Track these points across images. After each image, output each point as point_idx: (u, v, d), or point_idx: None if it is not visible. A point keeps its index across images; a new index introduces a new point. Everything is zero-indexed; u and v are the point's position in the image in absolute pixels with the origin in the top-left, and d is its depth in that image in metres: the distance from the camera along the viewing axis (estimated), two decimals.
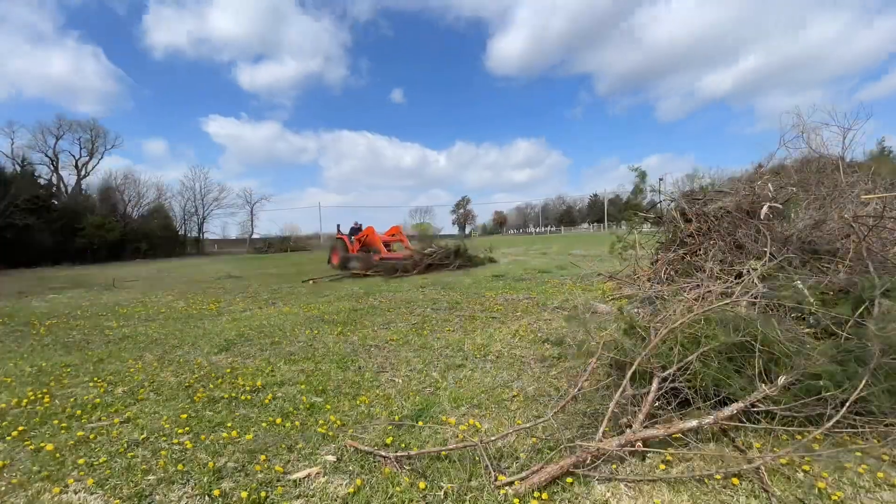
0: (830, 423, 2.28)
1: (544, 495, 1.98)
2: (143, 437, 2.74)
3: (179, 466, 2.34)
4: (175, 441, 2.66)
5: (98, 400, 3.40)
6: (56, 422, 3.01)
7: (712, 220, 4.86)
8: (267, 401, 3.27)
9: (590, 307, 5.88)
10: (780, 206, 4.37)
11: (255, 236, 54.57)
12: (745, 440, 2.42)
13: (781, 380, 2.44)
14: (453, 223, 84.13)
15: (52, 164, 38.31)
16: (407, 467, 2.26)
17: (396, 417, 2.93)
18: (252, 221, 56.26)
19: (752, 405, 2.45)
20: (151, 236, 35.19)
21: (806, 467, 2.13)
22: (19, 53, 77.75)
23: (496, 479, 2.08)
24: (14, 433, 2.82)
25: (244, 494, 2.06)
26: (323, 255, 22.06)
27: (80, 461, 2.43)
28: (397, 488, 2.08)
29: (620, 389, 2.63)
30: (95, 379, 3.93)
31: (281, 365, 4.23)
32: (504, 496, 1.99)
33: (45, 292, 11.25)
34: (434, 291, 8.83)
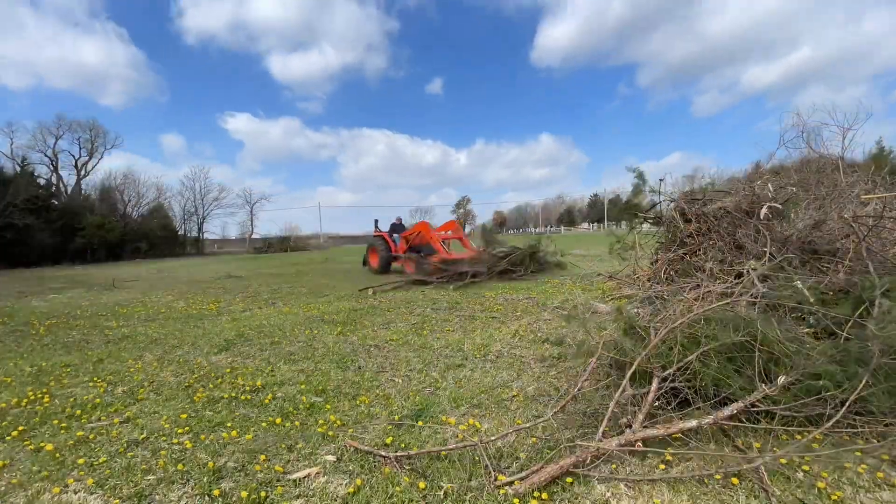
0: (830, 423, 2.28)
1: (544, 495, 1.98)
2: (142, 437, 2.74)
3: (179, 466, 2.34)
4: (175, 441, 2.66)
5: (98, 400, 3.40)
6: (56, 422, 3.00)
7: (712, 220, 4.87)
8: (267, 401, 3.27)
9: (590, 307, 5.88)
10: (780, 207, 4.37)
11: (254, 236, 54.64)
12: (745, 440, 2.42)
13: (781, 380, 2.44)
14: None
15: (52, 164, 38.30)
16: (407, 467, 2.26)
17: (396, 417, 2.93)
18: (252, 221, 56.34)
19: (752, 405, 2.45)
20: (151, 236, 35.18)
21: (806, 467, 2.13)
22: (41, 39, 76.04)
23: (496, 479, 2.08)
24: (14, 433, 2.82)
25: (244, 494, 2.06)
26: (323, 255, 21.98)
27: (80, 461, 2.43)
28: (397, 488, 2.08)
29: (620, 389, 2.63)
30: (95, 379, 3.93)
31: (281, 365, 4.23)
32: (504, 496, 1.99)
33: (45, 292, 11.25)
34: (434, 291, 8.83)
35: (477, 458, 2.27)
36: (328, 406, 3.16)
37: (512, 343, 4.74)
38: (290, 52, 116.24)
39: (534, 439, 2.53)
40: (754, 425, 2.42)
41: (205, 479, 2.21)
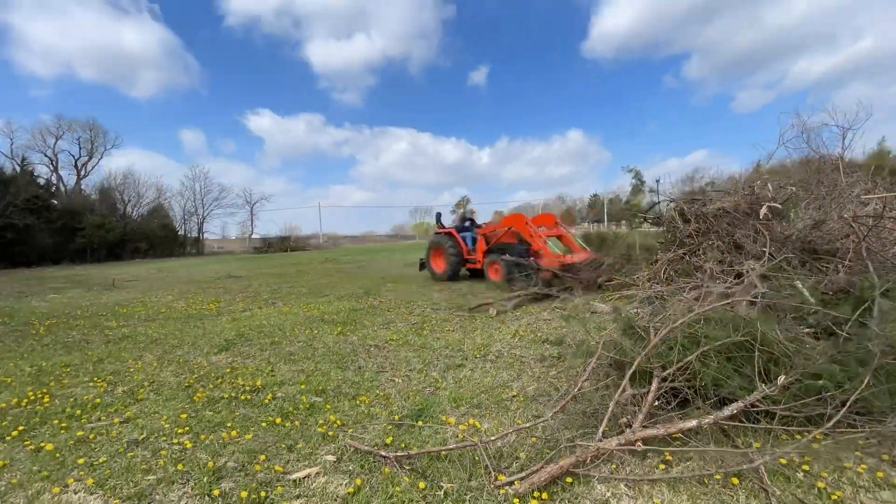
0: (830, 423, 2.28)
1: (544, 495, 1.98)
2: (142, 437, 2.74)
3: (179, 466, 2.34)
4: (175, 441, 2.66)
5: (98, 400, 3.40)
6: (56, 422, 3.00)
7: (711, 220, 4.86)
8: (267, 401, 3.27)
9: (590, 307, 5.88)
10: (780, 206, 4.36)
11: (254, 236, 54.62)
12: (745, 440, 2.42)
13: (781, 380, 2.44)
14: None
15: (52, 164, 38.33)
16: (407, 467, 2.26)
17: (396, 417, 2.93)
18: (252, 221, 56.33)
19: (752, 405, 2.45)
20: (151, 236, 35.17)
21: (806, 467, 2.13)
22: (76, 22, 72.69)
23: (496, 479, 2.09)
24: (14, 433, 2.82)
25: (244, 494, 2.06)
26: (323, 255, 21.88)
27: (80, 461, 2.43)
28: (397, 488, 2.08)
29: (620, 389, 2.63)
30: (95, 379, 3.93)
31: (281, 365, 4.23)
32: (504, 496, 1.99)
33: (45, 292, 11.24)
34: (434, 291, 8.83)
35: (477, 458, 2.27)
36: (328, 406, 3.16)
37: (512, 343, 4.74)
38: (335, 39, 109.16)
39: (534, 439, 2.53)
40: (754, 425, 2.42)
41: (205, 479, 2.21)
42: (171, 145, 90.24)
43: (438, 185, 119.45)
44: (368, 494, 2.07)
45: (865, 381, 2.33)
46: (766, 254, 3.91)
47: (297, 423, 2.88)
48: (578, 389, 2.70)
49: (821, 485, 1.99)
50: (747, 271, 3.70)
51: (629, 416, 2.53)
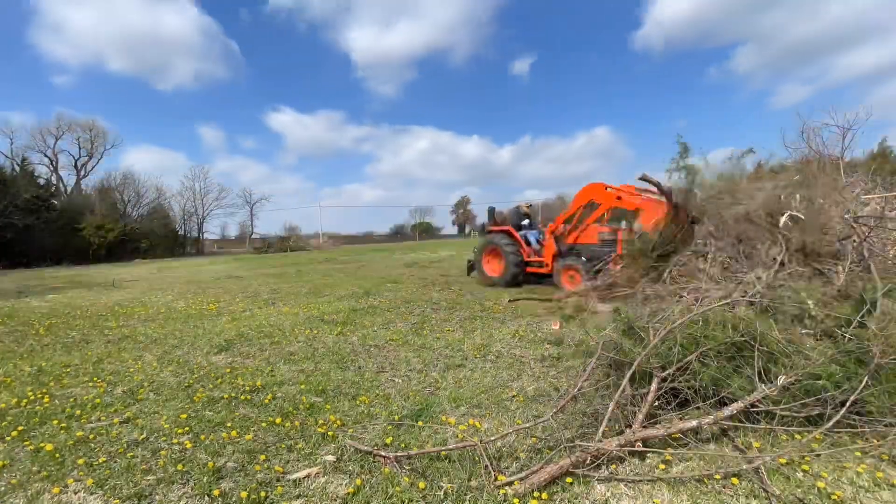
0: (830, 423, 2.28)
1: (544, 495, 1.98)
2: (142, 437, 2.74)
3: (179, 466, 2.34)
4: (175, 441, 2.66)
5: (98, 400, 3.40)
6: (56, 422, 3.00)
7: (730, 224, 4.81)
8: (267, 401, 3.27)
9: (590, 307, 5.87)
10: (802, 216, 4.22)
11: (254, 236, 54.65)
12: (745, 440, 2.42)
13: (781, 380, 2.44)
14: (453, 223, 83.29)
15: (52, 164, 38.38)
16: (407, 467, 2.26)
17: (396, 417, 2.93)
18: (252, 221, 56.36)
19: (752, 405, 2.45)
20: (151, 236, 35.18)
21: (806, 467, 2.13)
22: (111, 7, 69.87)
23: (496, 479, 2.08)
24: (14, 433, 2.81)
25: (244, 494, 2.06)
26: (323, 255, 21.73)
27: (80, 461, 2.43)
28: (397, 488, 2.08)
29: (620, 389, 2.63)
30: (95, 379, 3.93)
31: (281, 365, 4.23)
32: (504, 496, 1.99)
33: (45, 292, 11.24)
34: (433, 291, 8.83)
35: (477, 458, 2.27)
36: (328, 406, 3.16)
37: (512, 343, 4.74)
38: (379, 26, 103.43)
39: (534, 439, 2.53)
40: (754, 425, 2.42)
41: (205, 479, 2.21)
42: (189, 142, 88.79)
43: (452, 184, 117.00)
44: (368, 494, 2.07)
45: (864, 381, 2.33)
46: (778, 262, 3.84)
47: (297, 423, 2.88)
48: (578, 389, 2.70)
49: (821, 485, 1.99)
50: (755, 279, 3.65)
51: (629, 417, 2.53)
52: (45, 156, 37.85)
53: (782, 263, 3.86)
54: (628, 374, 2.69)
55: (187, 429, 2.83)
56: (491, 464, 2.21)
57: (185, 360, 4.47)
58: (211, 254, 41.44)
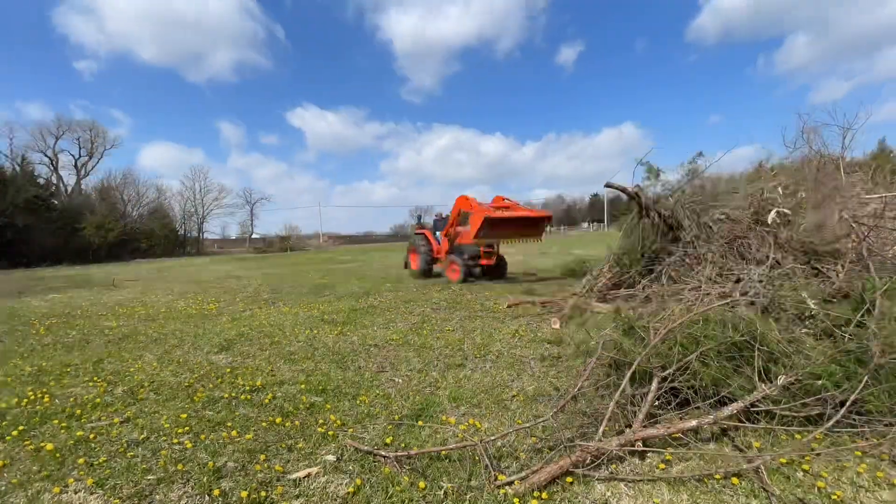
0: (830, 423, 2.28)
1: (544, 495, 1.98)
2: (143, 437, 2.74)
3: (179, 466, 2.34)
4: (175, 441, 2.66)
5: (98, 400, 3.40)
6: (56, 422, 3.00)
7: (710, 228, 4.83)
8: (267, 400, 3.27)
9: (590, 307, 5.87)
10: (788, 212, 4.28)
11: (254, 236, 54.63)
12: (745, 440, 2.42)
13: (781, 380, 2.44)
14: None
15: (52, 164, 38.36)
16: (407, 467, 2.26)
17: (396, 417, 2.93)
18: (252, 221, 56.33)
19: (752, 405, 2.45)
20: (151, 236, 35.19)
21: (806, 467, 2.13)
22: None
23: (496, 479, 2.08)
24: (14, 433, 2.82)
25: (244, 494, 2.06)
26: (323, 255, 21.89)
27: (80, 461, 2.43)
28: (397, 488, 2.08)
29: (620, 389, 2.63)
30: (95, 379, 3.93)
31: (281, 364, 4.23)
32: (504, 496, 1.99)
33: (45, 292, 11.24)
34: (434, 291, 8.83)
35: (477, 458, 2.27)
36: (328, 406, 3.16)
37: (512, 343, 4.74)
38: (428, 13, 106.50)
39: (534, 439, 2.53)
40: (754, 425, 2.42)
41: (205, 479, 2.21)
42: (209, 137, 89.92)
43: (464, 182, 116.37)
44: (368, 494, 2.07)
45: (864, 381, 2.33)
46: (771, 259, 3.86)
47: (297, 422, 2.88)
48: (578, 389, 2.70)
49: (821, 485, 1.99)
50: (750, 277, 3.66)
51: (629, 416, 2.53)
52: (45, 155, 37.91)
53: (777, 262, 3.86)
54: (628, 374, 2.69)
55: (187, 428, 2.83)
56: (491, 463, 2.21)
57: (185, 360, 4.47)
58: (211, 254, 41.43)
